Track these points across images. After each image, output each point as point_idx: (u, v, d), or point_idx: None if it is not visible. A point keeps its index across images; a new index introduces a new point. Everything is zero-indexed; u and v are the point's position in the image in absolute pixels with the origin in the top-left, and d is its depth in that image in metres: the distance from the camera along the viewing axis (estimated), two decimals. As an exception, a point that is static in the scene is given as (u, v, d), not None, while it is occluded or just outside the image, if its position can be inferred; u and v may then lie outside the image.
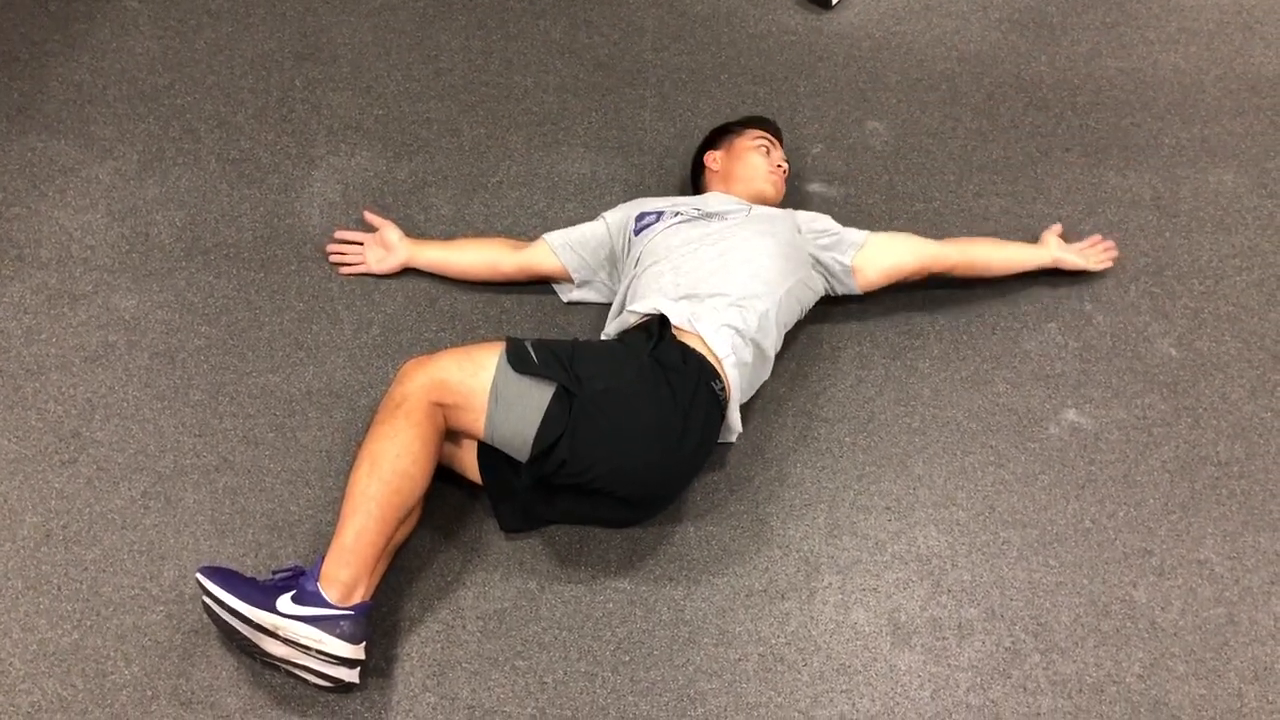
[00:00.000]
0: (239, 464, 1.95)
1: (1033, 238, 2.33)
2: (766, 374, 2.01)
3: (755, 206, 2.13)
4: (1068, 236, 2.35)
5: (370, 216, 2.28)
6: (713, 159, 2.30)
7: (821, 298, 2.13)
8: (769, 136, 2.30)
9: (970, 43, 2.80)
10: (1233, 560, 1.90)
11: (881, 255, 2.11)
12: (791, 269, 2.00)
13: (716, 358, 1.83)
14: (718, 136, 2.34)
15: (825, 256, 2.09)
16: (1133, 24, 2.86)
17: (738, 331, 1.86)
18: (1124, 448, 2.04)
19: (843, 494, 1.97)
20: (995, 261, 2.22)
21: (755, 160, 2.23)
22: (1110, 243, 2.33)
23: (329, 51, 2.67)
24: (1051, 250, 2.26)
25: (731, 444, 2.00)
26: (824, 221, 2.14)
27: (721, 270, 1.93)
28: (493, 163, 2.47)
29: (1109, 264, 2.30)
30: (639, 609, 1.81)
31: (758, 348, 1.90)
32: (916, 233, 2.18)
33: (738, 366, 1.86)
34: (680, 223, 2.05)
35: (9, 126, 2.46)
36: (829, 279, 2.12)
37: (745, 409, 1.99)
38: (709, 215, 2.07)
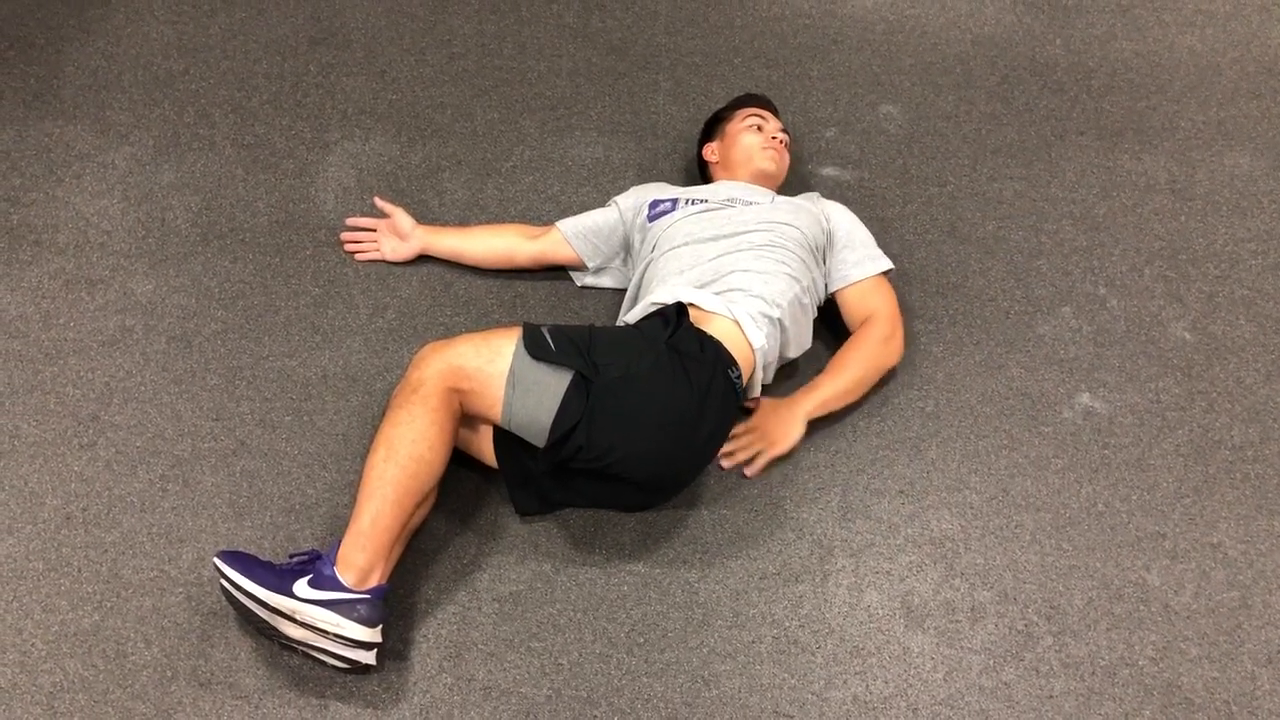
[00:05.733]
0: (256, 448, 1.96)
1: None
2: (802, 347, 2.00)
3: (776, 196, 2.11)
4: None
5: (381, 203, 2.29)
6: (710, 151, 2.29)
7: None
8: (759, 112, 2.27)
9: (984, 25, 2.79)
10: (1246, 544, 1.91)
11: (860, 305, 2.07)
12: (815, 263, 2.00)
13: (752, 348, 1.84)
14: (711, 127, 2.33)
15: (832, 266, 2.09)
16: (1148, 6, 2.85)
17: (771, 321, 1.87)
18: (1138, 431, 2.04)
19: (856, 478, 1.97)
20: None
21: (747, 140, 2.21)
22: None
23: (343, 36, 2.67)
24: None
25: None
26: (860, 234, 2.11)
27: (748, 259, 1.92)
28: (506, 147, 2.47)
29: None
30: (653, 591, 1.82)
31: (785, 335, 1.91)
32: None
33: (766, 355, 1.86)
34: (697, 211, 2.04)
35: (25, 112, 2.47)
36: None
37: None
38: (729, 201, 2.06)
